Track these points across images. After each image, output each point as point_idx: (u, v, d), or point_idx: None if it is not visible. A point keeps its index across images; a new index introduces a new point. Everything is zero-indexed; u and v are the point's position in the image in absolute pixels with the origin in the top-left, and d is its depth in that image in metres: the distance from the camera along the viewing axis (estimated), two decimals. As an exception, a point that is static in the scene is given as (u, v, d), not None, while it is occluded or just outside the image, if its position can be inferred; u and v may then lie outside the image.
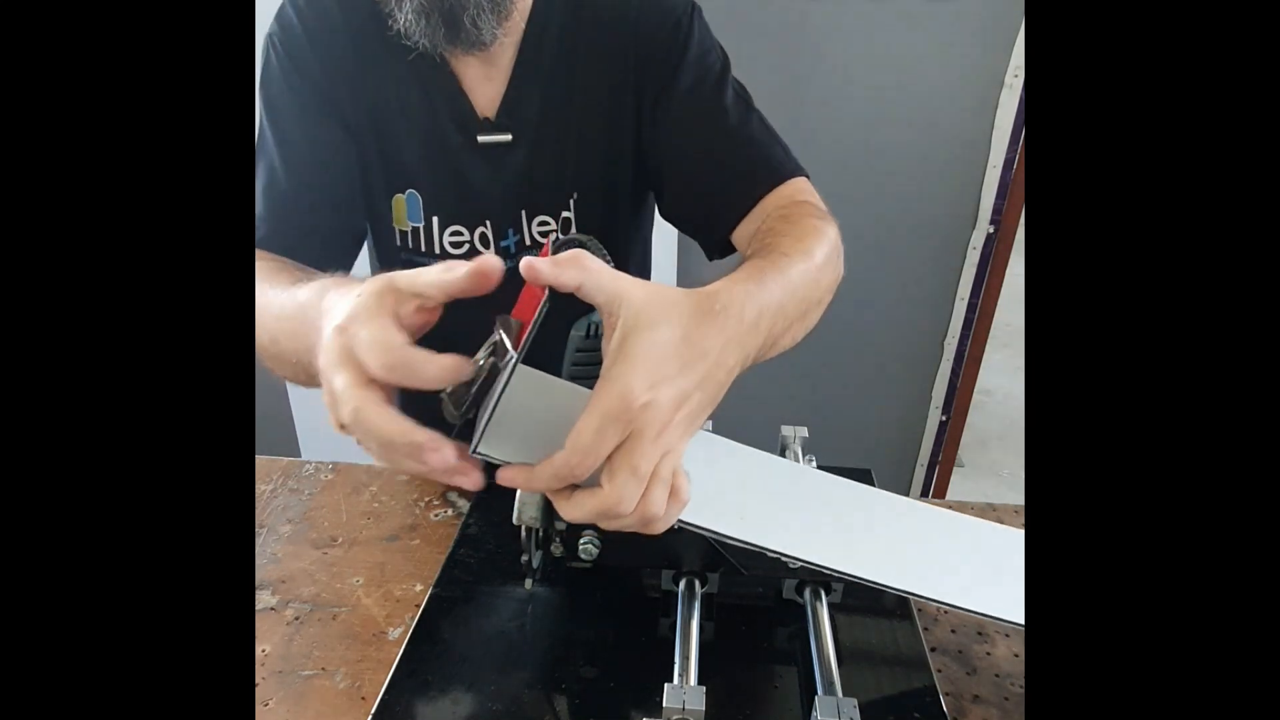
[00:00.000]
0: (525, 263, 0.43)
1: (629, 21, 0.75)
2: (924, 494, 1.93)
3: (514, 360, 0.42)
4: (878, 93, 1.56)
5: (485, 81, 0.75)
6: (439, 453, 0.42)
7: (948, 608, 0.54)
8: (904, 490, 1.90)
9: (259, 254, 0.73)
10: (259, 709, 0.55)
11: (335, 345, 0.42)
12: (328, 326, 0.44)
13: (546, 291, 0.43)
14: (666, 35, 0.75)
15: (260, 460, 0.82)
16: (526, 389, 0.47)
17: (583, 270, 0.43)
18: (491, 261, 0.43)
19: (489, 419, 0.43)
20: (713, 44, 0.77)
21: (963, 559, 0.58)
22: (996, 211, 1.64)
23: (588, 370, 0.51)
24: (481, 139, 0.76)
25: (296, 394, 1.60)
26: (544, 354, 0.51)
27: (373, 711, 0.54)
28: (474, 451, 0.44)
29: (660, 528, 0.46)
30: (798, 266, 0.56)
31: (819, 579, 0.60)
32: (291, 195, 0.74)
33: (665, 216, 0.81)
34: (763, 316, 0.50)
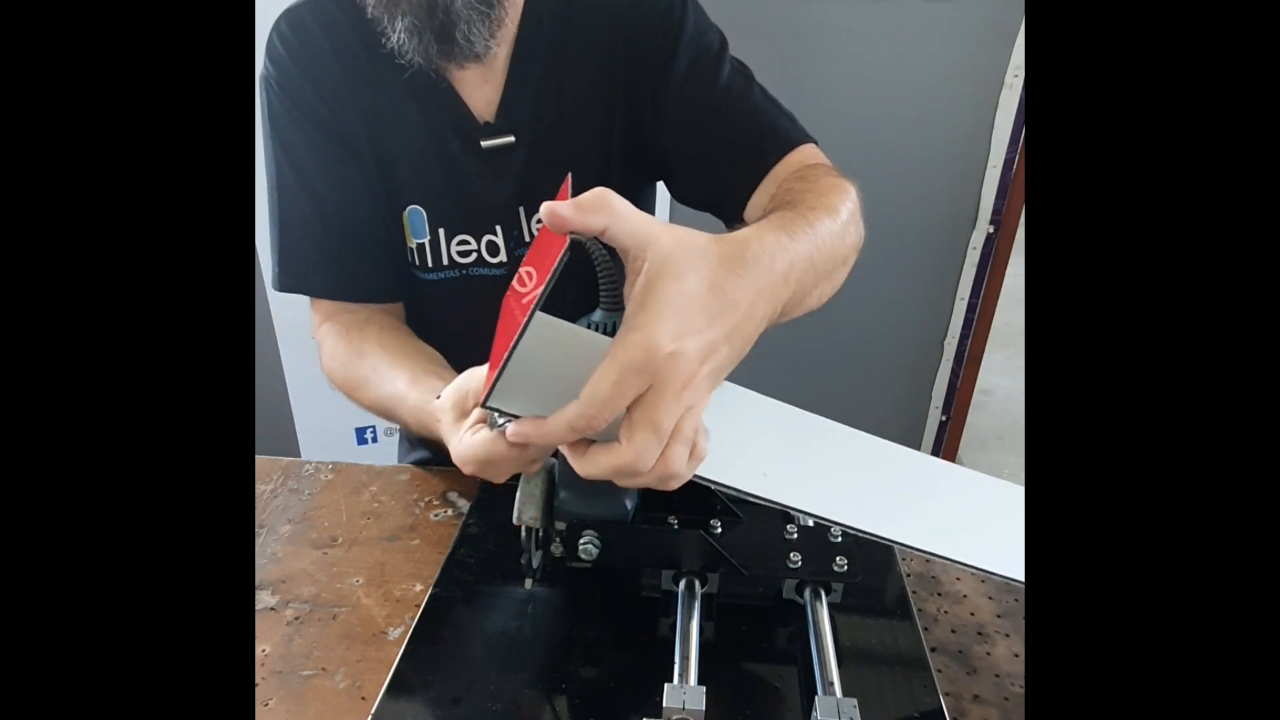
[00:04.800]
0: (546, 207, 0.41)
1: (621, 11, 0.75)
2: (924, 494, 1.93)
3: (532, 309, 0.41)
4: (878, 93, 1.56)
5: (481, 85, 0.75)
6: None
7: (973, 570, 0.54)
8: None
9: (329, 310, 0.77)
10: (259, 709, 0.55)
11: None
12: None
13: (568, 240, 0.41)
14: (660, 20, 0.75)
15: (260, 460, 0.82)
16: (544, 339, 0.46)
17: (610, 212, 0.41)
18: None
19: (502, 370, 0.42)
20: (708, 25, 0.77)
21: (989, 523, 0.58)
22: (996, 211, 1.64)
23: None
24: (485, 143, 0.76)
25: (297, 394, 1.61)
26: None
27: (373, 711, 0.54)
28: (484, 404, 0.43)
29: (677, 485, 0.45)
30: (824, 221, 0.54)
31: (819, 579, 0.60)
32: (331, 240, 0.75)
33: (679, 199, 0.81)
34: (793, 268, 0.48)
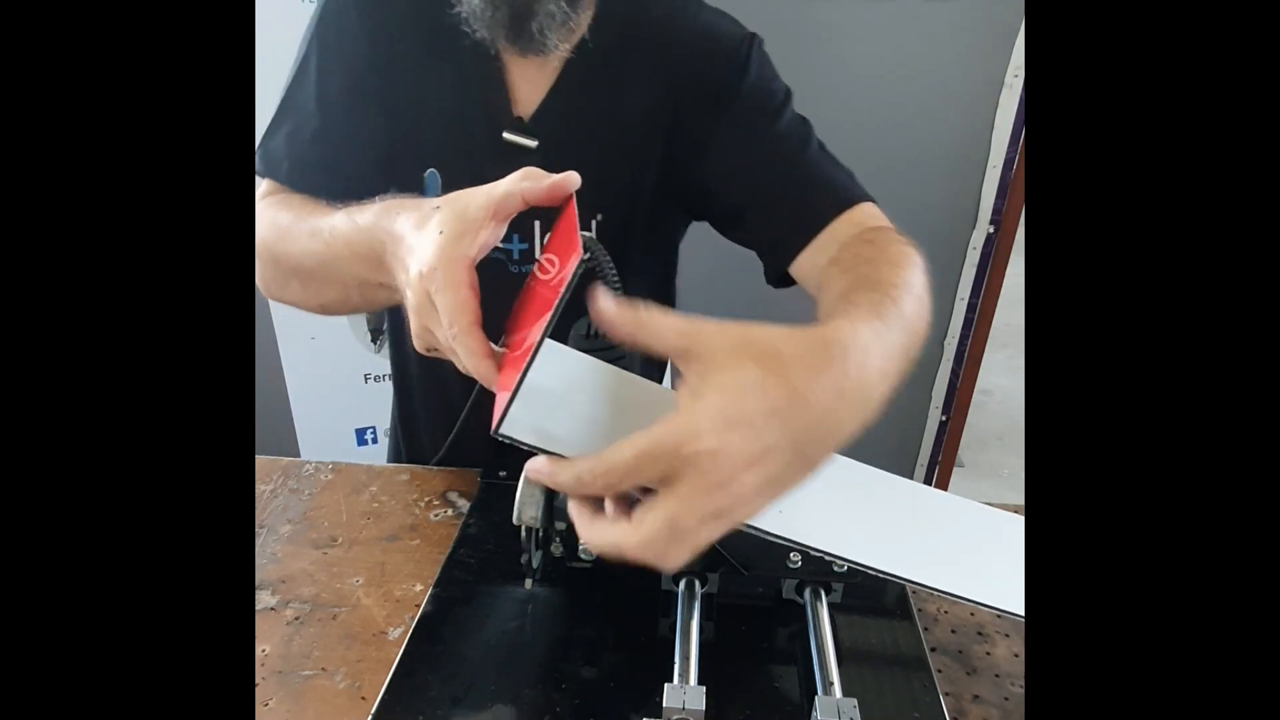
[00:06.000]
0: (599, 304, 0.40)
1: (684, 47, 0.73)
2: (924, 494, 1.93)
3: (541, 335, 0.41)
4: (877, 93, 1.56)
5: (527, 83, 0.74)
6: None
7: (963, 602, 0.54)
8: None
9: (277, 188, 0.72)
10: (259, 709, 0.55)
11: (420, 291, 0.46)
12: (410, 262, 0.47)
13: (580, 249, 0.41)
14: (724, 63, 0.73)
15: (260, 460, 0.82)
16: (554, 366, 0.46)
17: (639, 326, 0.40)
18: (572, 180, 0.47)
19: (513, 396, 0.42)
20: (772, 74, 0.75)
21: (976, 551, 0.58)
22: (996, 211, 1.64)
23: (588, 370, 0.51)
24: (507, 136, 0.74)
25: (297, 394, 1.60)
26: None
27: (373, 711, 0.54)
28: (495, 432, 0.43)
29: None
30: (908, 301, 0.49)
31: (819, 579, 0.60)
32: (322, 137, 0.72)
33: (723, 234, 0.79)
34: (890, 362, 0.42)
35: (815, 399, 0.38)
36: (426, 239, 0.47)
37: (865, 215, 0.68)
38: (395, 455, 0.99)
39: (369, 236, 0.54)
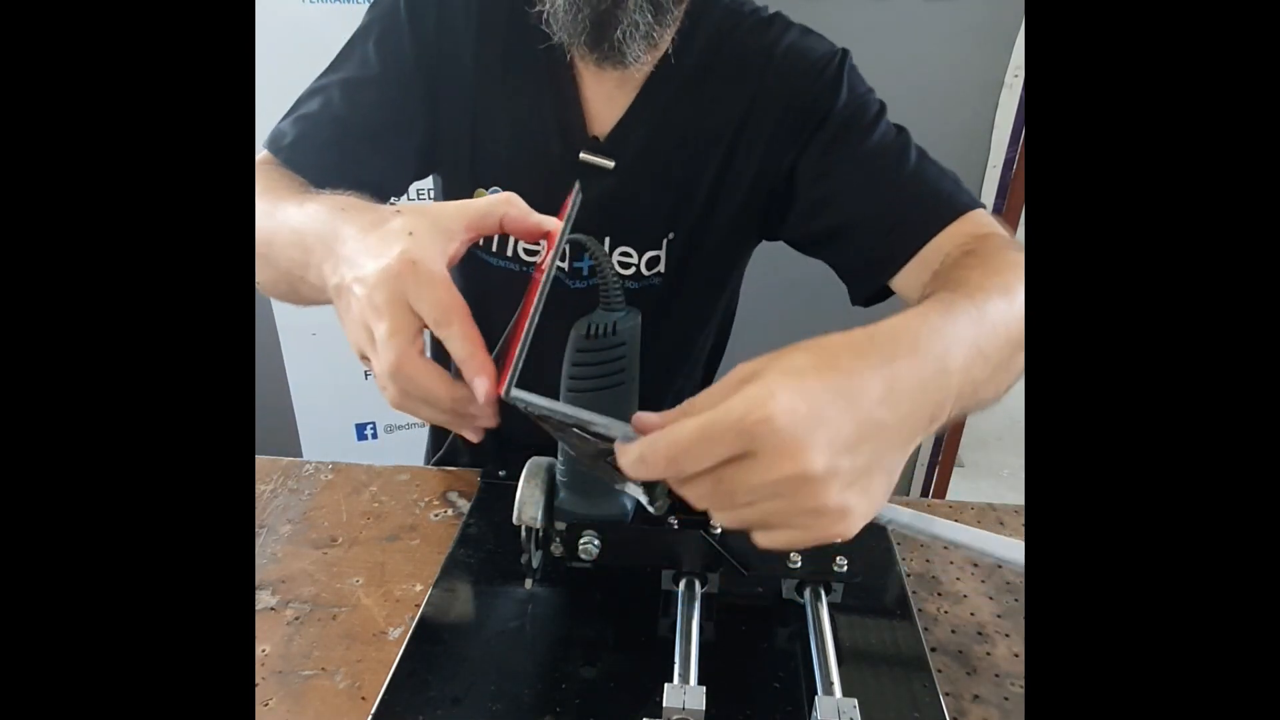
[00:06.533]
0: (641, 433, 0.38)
1: (773, 69, 0.71)
2: (924, 494, 1.93)
3: (515, 365, 0.41)
4: (877, 92, 1.56)
5: (605, 100, 0.71)
6: (475, 412, 0.43)
7: (958, 546, 0.53)
8: (904, 490, 1.90)
9: (268, 161, 0.68)
10: (259, 709, 0.55)
11: (389, 289, 0.41)
12: (363, 261, 0.43)
13: (576, 190, 0.41)
14: (812, 83, 0.70)
15: (260, 460, 0.82)
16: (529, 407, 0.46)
17: (686, 412, 0.37)
18: (549, 224, 0.46)
19: (518, 359, 0.41)
20: (865, 88, 0.73)
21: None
22: (996, 211, 1.64)
23: (589, 370, 0.51)
24: (584, 156, 0.71)
25: (298, 394, 1.61)
26: (545, 354, 0.51)
27: (373, 711, 0.54)
28: (506, 395, 0.41)
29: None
30: (995, 302, 0.46)
31: (819, 579, 0.60)
32: (341, 125, 0.68)
33: (818, 258, 0.76)
34: (951, 351, 0.40)
35: (865, 384, 0.36)
36: (390, 239, 0.43)
37: (973, 225, 0.64)
38: (434, 449, 0.98)
39: (306, 225, 0.51)
